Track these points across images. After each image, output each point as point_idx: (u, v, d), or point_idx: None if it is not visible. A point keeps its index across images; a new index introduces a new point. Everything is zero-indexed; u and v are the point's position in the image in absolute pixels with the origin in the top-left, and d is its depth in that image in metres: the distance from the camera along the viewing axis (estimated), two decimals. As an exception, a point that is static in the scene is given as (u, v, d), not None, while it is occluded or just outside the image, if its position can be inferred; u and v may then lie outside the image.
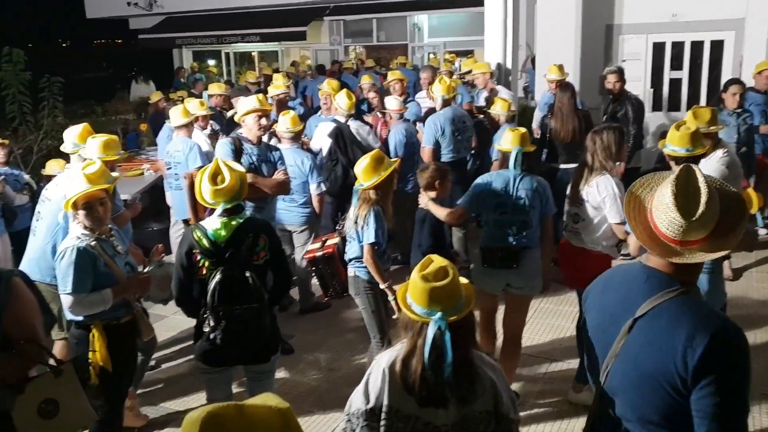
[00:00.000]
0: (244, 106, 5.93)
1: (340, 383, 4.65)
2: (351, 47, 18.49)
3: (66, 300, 3.26)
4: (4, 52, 8.12)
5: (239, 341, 3.24)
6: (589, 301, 2.13)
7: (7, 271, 2.69)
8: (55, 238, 4.02)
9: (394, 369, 2.13)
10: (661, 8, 9.29)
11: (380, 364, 2.19)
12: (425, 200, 4.29)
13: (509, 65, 8.93)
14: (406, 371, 2.11)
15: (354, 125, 6.51)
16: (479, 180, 4.19)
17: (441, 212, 4.15)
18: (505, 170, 4.11)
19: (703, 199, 1.76)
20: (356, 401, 2.18)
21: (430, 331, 2.05)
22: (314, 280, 6.11)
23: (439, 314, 2.05)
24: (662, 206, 1.82)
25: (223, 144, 4.99)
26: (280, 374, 4.72)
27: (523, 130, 4.16)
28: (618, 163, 5.45)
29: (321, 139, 6.47)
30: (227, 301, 3.18)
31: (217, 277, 3.18)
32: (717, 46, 9.26)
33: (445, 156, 6.33)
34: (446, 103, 6.39)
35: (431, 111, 7.36)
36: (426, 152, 6.34)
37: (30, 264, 4.13)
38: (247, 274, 3.20)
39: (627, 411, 1.92)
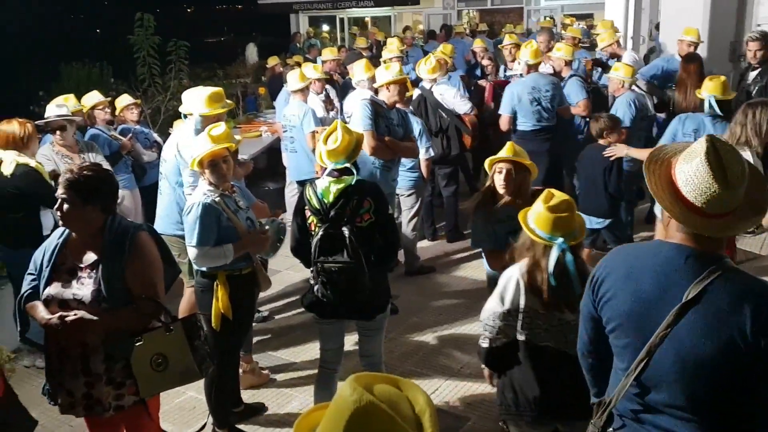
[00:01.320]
0: (362, 72, 6.10)
1: (442, 345, 4.78)
2: (464, 11, 18.21)
3: (192, 252, 3.53)
4: (136, 17, 8.64)
5: (338, 295, 3.40)
6: (609, 286, 1.95)
7: (135, 226, 2.92)
8: (176, 195, 4.35)
9: (524, 279, 2.70)
10: (806, -33, 8.51)
11: (512, 276, 2.75)
12: (623, 149, 4.84)
13: (631, 29, 8.52)
14: (533, 282, 2.68)
15: (438, 90, 6.45)
16: (674, 121, 4.82)
17: (641, 154, 4.33)
18: (700, 113, 4.73)
19: (738, 168, 1.72)
20: (492, 306, 2.76)
21: (554, 253, 2.62)
22: (420, 244, 6.29)
23: (560, 239, 2.62)
24: (695, 177, 1.73)
25: (363, 105, 5.17)
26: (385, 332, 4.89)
27: (722, 78, 4.73)
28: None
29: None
30: (326, 256, 3.35)
31: (320, 233, 3.35)
32: None
33: (522, 125, 6.22)
34: (531, 68, 6.24)
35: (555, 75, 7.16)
36: (503, 120, 6.29)
37: (160, 219, 4.48)
38: (346, 233, 3.32)
39: (673, 399, 1.81)
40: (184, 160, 4.17)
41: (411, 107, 6.35)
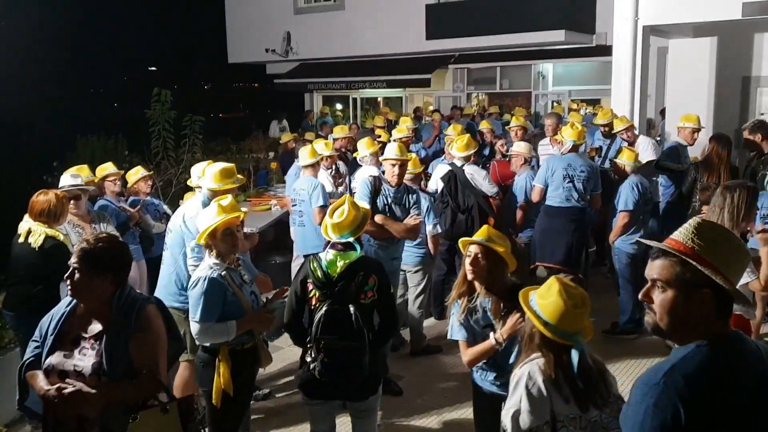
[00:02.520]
0: (364, 149, 6.28)
1: (445, 429, 4.63)
2: (474, 94, 18.67)
3: (194, 327, 3.48)
4: (154, 92, 8.90)
5: (337, 375, 3.31)
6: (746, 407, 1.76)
7: (144, 299, 2.90)
8: (177, 267, 4.35)
9: (549, 383, 2.48)
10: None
11: (535, 381, 2.50)
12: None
13: (637, 115, 8.68)
14: (560, 385, 2.48)
15: (469, 169, 6.57)
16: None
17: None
18: None
19: None
20: (528, 421, 2.47)
21: (576, 353, 2.49)
22: (426, 322, 6.20)
23: (578, 337, 2.51)
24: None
25: (364, 182, 5.29)
26: (387, 415, 4.77)
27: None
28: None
29: (438, 180, 6.60)
30: (330, 334, 3.28)
31: (324, 308, 3.29)
32: None
33: (551, 200, 6.24)
34: (573, 149, 6.32)
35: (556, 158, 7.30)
36: (535, 191, 6.35)
37: (159, 290, 4.47)
38: (352, 310, 3.27)
39: None
40: (189, 232, 4.19)
41: (440, 182, 6.49)
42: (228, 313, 3.49)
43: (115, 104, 40.83)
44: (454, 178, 6.40)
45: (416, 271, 5.85)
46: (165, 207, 6.62)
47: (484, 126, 9.73)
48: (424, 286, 5.90)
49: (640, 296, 1.88)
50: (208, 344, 3.54)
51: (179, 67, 51.39)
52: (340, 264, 3.37)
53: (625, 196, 5.89)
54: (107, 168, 6.12)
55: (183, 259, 4.29)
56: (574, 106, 16.33)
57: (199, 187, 4.54)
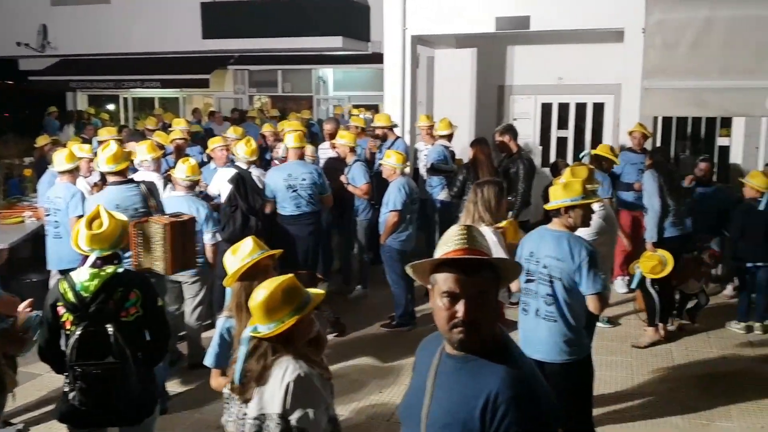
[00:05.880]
0: (144, 153, 5.86)
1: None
2: (256, 97, 18.45)
3: None
4: None
5: (99, 402, 3.03)
6: None
7: None
8: None
9: None
10: (548, 72, 9.90)
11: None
12: None
13: (408, 121, 9.18)
14: None
15: (256, 172, 6.47)
16: None
17: None
18: None
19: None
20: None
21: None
22: (204, 334, 5.94)
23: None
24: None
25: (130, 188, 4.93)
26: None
27: None
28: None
29: (220, 184, 6.36)
30: (87, 359, 2.99)
31: (78, 332, 2.98)
32: (598, 108, 9.95)
33: (283, 210, 6.35)
34: (293, 155, 6.46)
35: (332, 161, 7.47)
36: (266, 205, 6.38)
37: None
38: (110, 330, 3.00)
39: None
40: None
41: (224, 186, 6.26)
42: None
43: None
44: (242, 180, 6.23)
45: (193, 282, 5.58)
46: None
47: (267, 130, 9.64)
48: (202, 298, 5.64)
49: (461, 317, 1.79)
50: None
51: None
52: (95, 282, 3.06)
53: (394, 196, 6.19)
54: None
55: None
56: (355, 111, 16.87)
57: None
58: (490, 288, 1.84)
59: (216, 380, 3.20)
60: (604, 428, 4.41)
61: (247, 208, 6.17)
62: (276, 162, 7.68)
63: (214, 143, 7.21)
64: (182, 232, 4.51)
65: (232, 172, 6.32)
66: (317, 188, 6.44)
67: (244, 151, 6.38)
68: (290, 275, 2.60)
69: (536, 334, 3.76)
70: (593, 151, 6.86)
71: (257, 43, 15.29)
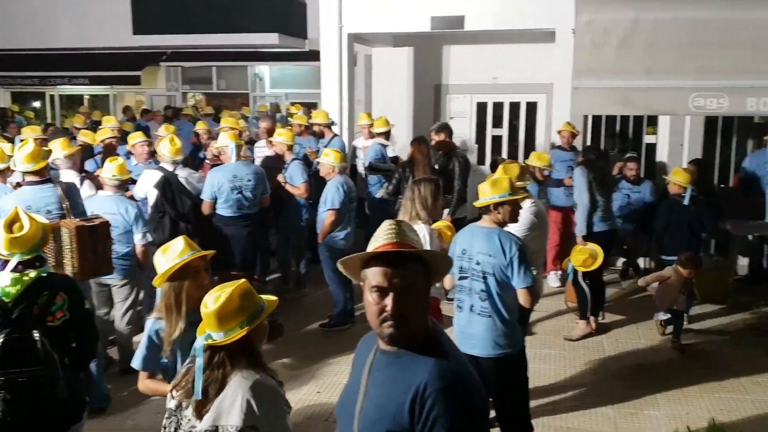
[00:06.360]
0: (59, 150, 5.64)
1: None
2: (190, 94, 18.05)
3: None
4: None
5: (25, 411, 2.90)
6: None
7: None
8: None
9: None
10: (483, 71, 10.05)
11: None
12: None
13: (345, 119, 9.15)
14: None
15: (183, 173, 6.30)
16: None
17: None
18: None
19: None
20: None
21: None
22: (136, 338, 5.77)
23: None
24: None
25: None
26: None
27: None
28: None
29: (147, 186, 6.16)
30: (11, 367, 2.85)
31: (0, 339, 2.85)
32: (532, 108, 10.17)
33: (222, 210, 6.23)
34: (238, 157, 6.36)
35: (269, 159, 7.36)
36: (204, 206, 6.23)
37: None
38: (36, 336, 2.88)
39: None
40: None
41: (150, 191, 6.04)
42: None
43: None
44: (167, 183, 6.04)
45: (123, 285, 5.40)
46: None
47: (200, 127, 9.43)
48: (132, 301, 5.47)
49: (390, 310, 1.79)
50: None
51: None
52: (17, 287, 2.93)
53: (332, 195, 6.15)
54: None
55: None
56: (294, 109, 16.71)
57: None
58: (418, 281, 1.83)
59: (144, 383, 3.11)
60: (538, 420, 4.51)
61: (175, 214, 6.01)
62: (208, 162, 7.54)
63: (134, 138, 6.99)
64: (92, 236, 4.38)
65: (158, 174, 6.12)
66: (260, 188, 6.34)
67: (168, 150, 6.16)
68: (243, 280, 2.49)
69: (471, 330, 3.81)
70: (525, 162, 6.97)
71: (191, 39, 14.98)
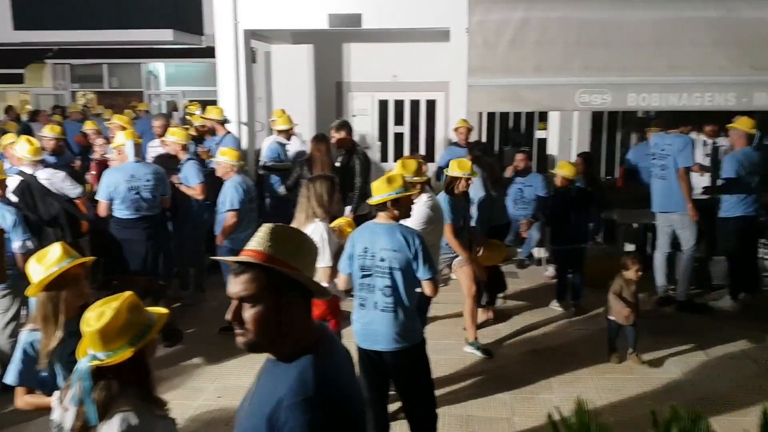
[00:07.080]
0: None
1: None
2: (80, 93, 17.20)
3: None
4: None
5: None
6: None
7: None
8: None
9: None
10: (384, 70, 10.15)
11: None
12: None
13: (244, 117, 8.98)
14: None
15: (44, 174, 5.93)
16: None
17: None
18: None
19: None
20: None
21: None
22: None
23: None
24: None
25: None
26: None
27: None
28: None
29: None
30: None
31: None
32: (431, 105, 10.37)
33: (119, 213, 5.98)
34: (138, 157, 6.12)
35: (164, 157, 7.10)
36: (100, 207, 5.98)
37: None
38: None
39: None
40: None
41: (15, 195, 5.62)
42: None
43: None
44: (28, 188, 5.69)
45: (4, 296, 5.05)
46: None
47: (89, 127, 9.01)
48: (15, 313, 5.12)
49: (229, 317, 1.76)
50: None
51: None
52: None
53: (231, 196, 6.02)
54: None
55: None
56: (192, 108, 16.24)
57: None
58: (259, 293, 1.75)
59: (22, 400, 2.92)
60: (440, 410, 4.56)
61: (38, 219, 5.66)
62: (93, 162, 7.22)
63: (6, 140, 6.58)
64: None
65: (17, 179, 5.70)
66: (160, 189, 6.10)
67: (26, 151, 5.77)
68: (130, 292, 2.35)
69: (375, 326, 3.84)
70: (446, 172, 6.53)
71: (79, 35, 14.25)
